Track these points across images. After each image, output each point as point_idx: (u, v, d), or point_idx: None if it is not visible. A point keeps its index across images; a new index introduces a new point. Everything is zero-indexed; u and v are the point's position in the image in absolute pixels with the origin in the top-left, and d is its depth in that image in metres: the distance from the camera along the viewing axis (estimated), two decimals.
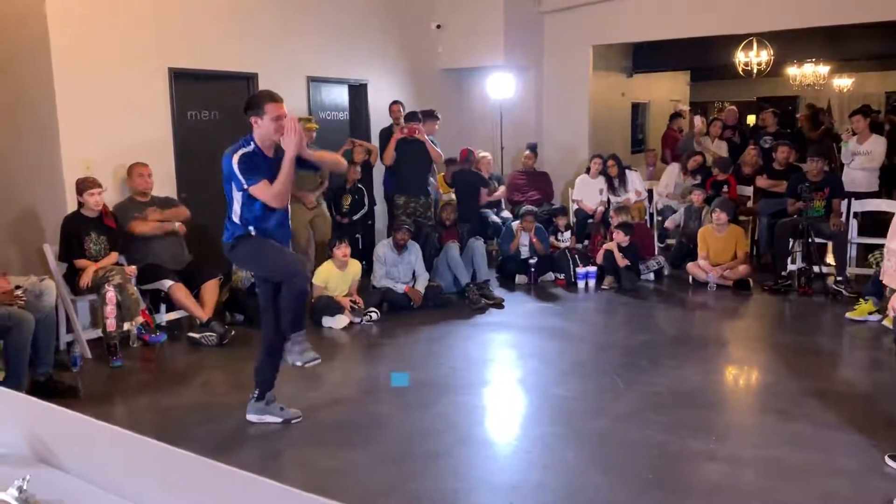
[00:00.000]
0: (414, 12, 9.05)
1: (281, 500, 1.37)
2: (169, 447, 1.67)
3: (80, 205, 5.36)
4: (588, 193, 8.64)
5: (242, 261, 4.09)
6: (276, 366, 4.04)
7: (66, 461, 1.81)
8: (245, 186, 3.61)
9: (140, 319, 5.45)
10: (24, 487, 1.64)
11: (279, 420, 4.03)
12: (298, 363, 3.85)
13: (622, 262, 7.11)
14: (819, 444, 3.66)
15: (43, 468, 1.82)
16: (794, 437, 3.74)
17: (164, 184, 6.11)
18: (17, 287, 4.59)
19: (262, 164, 3.66)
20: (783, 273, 6.97)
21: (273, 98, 3.70)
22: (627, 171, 8.82)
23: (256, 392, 4.06)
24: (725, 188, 8.15)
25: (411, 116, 7.48)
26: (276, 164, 3.67)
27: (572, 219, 8.51)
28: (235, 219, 3.73)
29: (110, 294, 5.14)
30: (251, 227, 3.73)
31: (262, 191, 3.62)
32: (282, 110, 3.67)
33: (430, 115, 7.60)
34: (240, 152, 3.63)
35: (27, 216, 5.85)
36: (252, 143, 3.68)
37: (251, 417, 4.05)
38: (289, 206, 3.89)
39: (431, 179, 7.70)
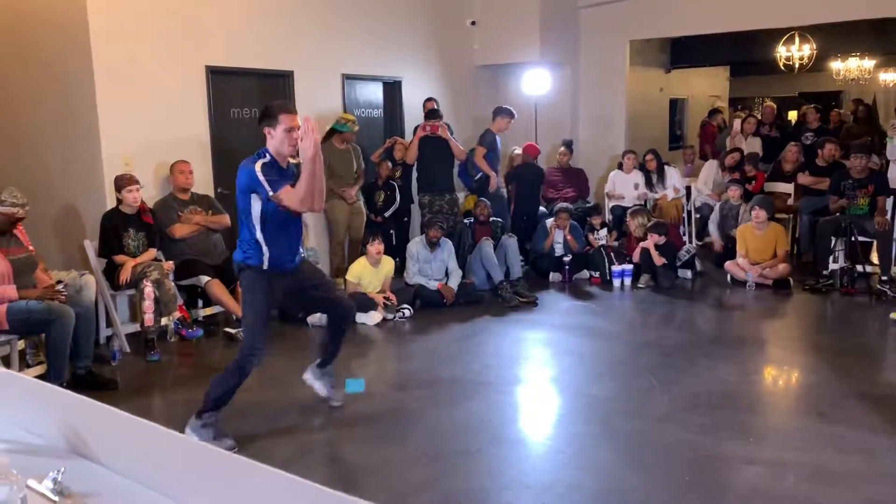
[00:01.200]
0: (449, 9, 9.02)
1: (312, 499, 1.36)
2: (200, 443, 1.69)
3: (119, 201, 5.45)
4: (622, 188, 8.55)
5: (242, 288, 3.94)
6: (238, 385, 3.75)
7: (100, 454, 1.83)
8: (271, 194, 3.54)
9: (177, 314, 5.53)
10: (59, 479, 1.67)
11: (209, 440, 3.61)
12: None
13: (659, 260, 7.01)
14: (862, 448, 3.56)
15: (78, 460, 1.84)
16: (835, 441, 3.64)
17: (201, 181, 6.18)
18: (59, 282, 4.69)
19: (283, 173, 3.65)
20: (825, 272, 6.81)
21: (287, 109, 3.68)
22: (666, 167, 8.71)
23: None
24: (751, 183, 8.02)
25: (433, 114, 7.46)
26: (291, 175, 3.66)
27: (608, 216, 8.42)
28: (247, 239, 3.68)
29: (148, 289, 5.21)
30: (263, 252, 3.65)
31: (289, 194, 3.55)
32: (295, 122, 3.64)
33: (505, 112, 7.66)
34: (259, 162, 3.60)
35: (68, 212, 5.96)
36: (268, 154, 3.66)
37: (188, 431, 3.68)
38: (303, 227, 3.85)
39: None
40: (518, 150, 8.81)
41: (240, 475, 1.50)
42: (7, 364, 4.63)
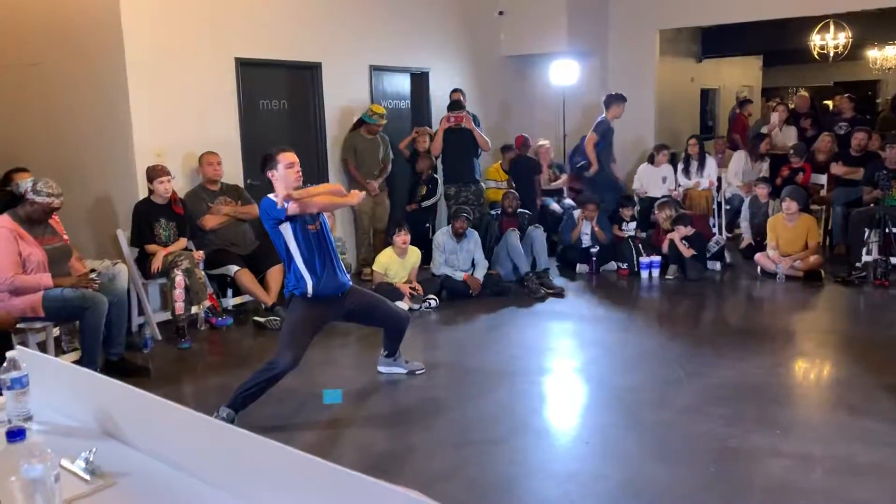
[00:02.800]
0: None
1: (341, 482, 1.39)
2: (227, 425, 1.72)
3: (150, 192, 5.54)
4: (650, 182, 8.48)
5: (287, 311, 4.16)
6: (260, 389, 3.81)
7: (130, 436, 1.88)
8: (284, 205, 3.74)
9: (207, 303, 5.61)
10: (91, 459, 1.72)
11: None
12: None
13: (688, 252, 6.95)
14: (891, 442, 3.50)
15: (109, 441, 1.90)
16: (865, 434, 3.59)
17: (230, 172, 6.25)
18: (92, 270, 4.79)
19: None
20: (857, 264, 6.69)
21: (283, 149, 3.95)
22: (707, 157, 8.64)
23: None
24: (801, 175, 7.89)
25: (456, 105, 7.46)
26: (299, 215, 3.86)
27: (637, 207, 8.35)
28: (293, 270, 3.92)
29: (179, 278, 5.30)
30: (307, 281, 3.89)
31: (295, 203, 3.76)
32: (293, 157, 3.90)
33: (617, 99, 7.63)
34: (272, 196, 3.87)
35: (101, 203, 6.08)
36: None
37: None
38: (331, 247, 4.00)
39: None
40: (545, 143, 8.77)
41: (268, 458, 1.53)
42: (44, 350, 4.75)
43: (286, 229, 3.88)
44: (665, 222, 7.29)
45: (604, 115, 7.70)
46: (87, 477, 1.69)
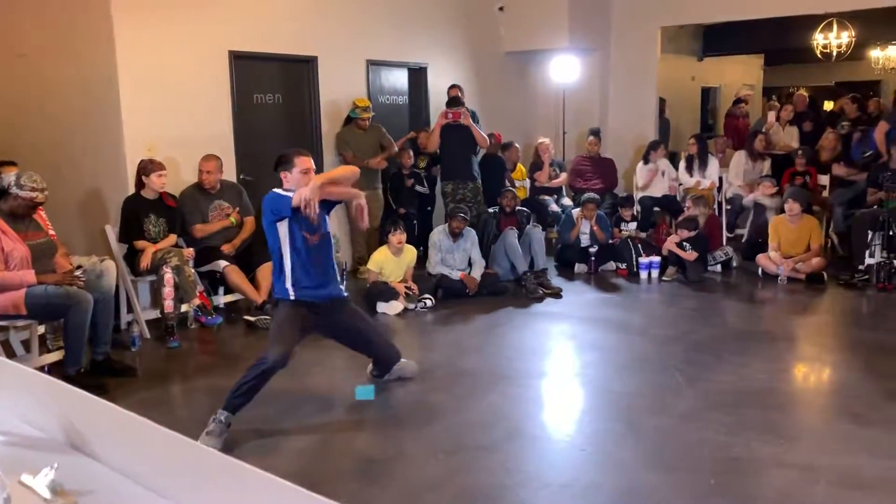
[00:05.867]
0: None
1: None
2: (198, 444, 1.61)
3: (140, 187, 5.42)
4: (649, 180, 8.37)
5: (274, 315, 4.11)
6: (251, 386, 3.69)
7: (98, 450, 1.77)
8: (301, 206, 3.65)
9: (197, 301, 5.49)
10: (52, 476, 1.61)
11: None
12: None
13: (690, 256, 6.83)
14: None
15: (75, 455, 1.79)
16: (871, 445, 3.48)
17: (223, 167, 6.11)
18: (79, 267, 4.67)
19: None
20: (861, 267, 6.58)
21: (301, 152, 3.88)
22: (710, 156, 8.52)
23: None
24: (807, 178, 7.78)
25: (454, 102, 7.34)
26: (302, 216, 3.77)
27: (637, 207, 8.24)
28: (280, 270, 3.86)
29: (168, 276, 5.19)
30: (289, 286, 3.83)
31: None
32: (310, 163, 3.84)
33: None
34: (281, 191, 3.81)
35: (91, 197, 5.96)
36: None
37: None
38: (327, 261, 3.95)
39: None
40: (545, 140, 8.63)
41: (235, 478, 1.43)
42: (27, 349, 4.65)
43: (283, 229, 3.80)
44: (701, 217, 7.14)
45: None
46: (48, 495, 1.58)
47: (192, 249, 5.53)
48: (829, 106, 14.17)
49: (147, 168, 5.38)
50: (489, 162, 7.95)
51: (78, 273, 4.49)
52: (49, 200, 4.58)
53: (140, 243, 5.35)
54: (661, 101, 9.91)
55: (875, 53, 13.56)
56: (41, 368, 4.30)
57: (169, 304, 5.21)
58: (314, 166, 3.89)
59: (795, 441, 3.59)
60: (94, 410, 1.81)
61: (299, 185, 3.74)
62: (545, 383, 4.56)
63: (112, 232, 5.45)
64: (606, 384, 4.45)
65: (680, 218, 7.22)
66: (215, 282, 5.94)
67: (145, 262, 5.26)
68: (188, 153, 5.94)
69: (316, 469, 3.44)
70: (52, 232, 4.76)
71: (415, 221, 7.52)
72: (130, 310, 5.46)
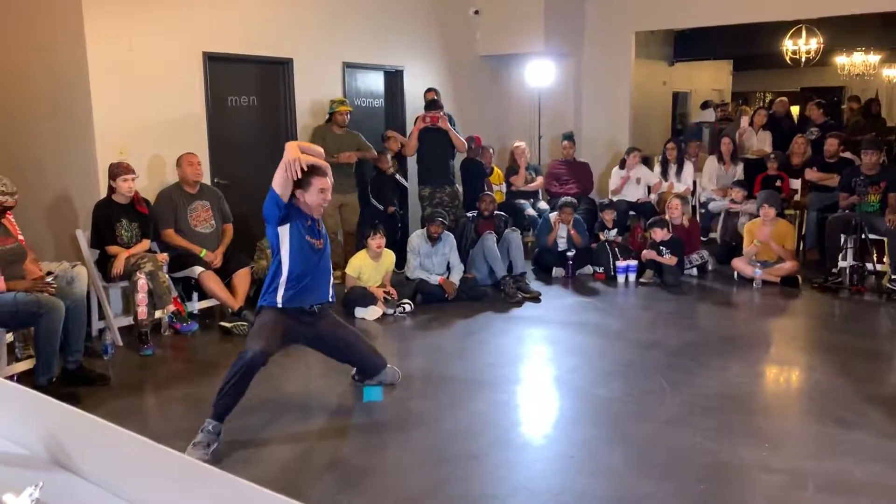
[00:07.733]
0: None
1: None
2: (185, 457, 1.54)
3: (112, 190, 5.28)
4: (625, 186, 8.41)
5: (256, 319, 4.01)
6: (235, 386, 3.59)
7: (83, 466, 1.69)
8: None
9: (172, 308, 5.35)
10: (36, 495, 1.52)
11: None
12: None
13: (671, 261, 6.86)
14: (884, 456, 3.42)
15: (59, 472, 1.71)
16: (855, 448, 3.50)
17: None
18: (49, 273, 4.52)
19: (300, 213, 3.81)
20: (834, 270, 6.67)
21: (320, 172, 3.77)
22: (685, 161, 8.58)
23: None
24: (779, 182, 7.87)
25: (433, 105, 7.29)
26: (307, 223, 3.81)
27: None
28: (275, 275, 3.81)
29: (142, 282, 5.06)
30: (279, 292, 3.79)
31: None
32: (327, 183, 3.79)
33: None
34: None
35: (61, 201, 5.79)
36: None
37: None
38: (324, 269, 3.94)
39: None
40: (520, 144, 8.61)
41: (223, 490, 1.38)
42: None
43: (284, 233, 3.74)
44: (684, 216, 7.19)
45: None
46: None
47: (166, 255, 5.41)
48: (795, 111, 14.40)
49: (114, 172, 5.24)
50: (469, 166, 7.92)
51: (49, 279, 4.35)
52: (16, 204, 4.44)
53: (113, 248, 5.21)
54: None
55: (841, 60, 13.82)
56: (10, 378, 4.15)
57: (143, 311, 5.08)
58: (330, 186, 3.83)
59: (780, 446, 3.60)
60: (78, 424, 1.73)
61: (313, 202, 3.77)
62: (528, 389, 4.53)
63: (83, 237, 5.30)
64: (590, 389, 4.42)
65: (651, 220, 7.24)
66: (189, 287, 5.81)
67: (118, 267, 5.13)
68: (160, 156, 5.81)
69: (301, 479, 3.36)
70: (21, 237, 4.60)
71: (399, 224, 7.43)
72: (102, 317, 5.32)
